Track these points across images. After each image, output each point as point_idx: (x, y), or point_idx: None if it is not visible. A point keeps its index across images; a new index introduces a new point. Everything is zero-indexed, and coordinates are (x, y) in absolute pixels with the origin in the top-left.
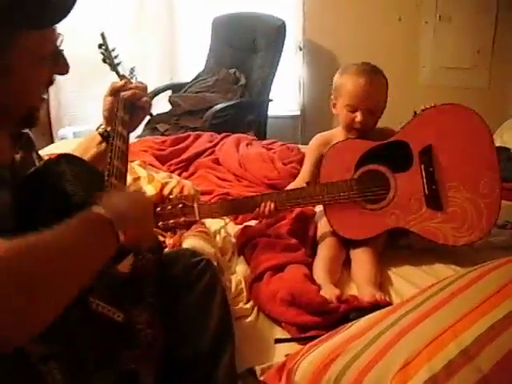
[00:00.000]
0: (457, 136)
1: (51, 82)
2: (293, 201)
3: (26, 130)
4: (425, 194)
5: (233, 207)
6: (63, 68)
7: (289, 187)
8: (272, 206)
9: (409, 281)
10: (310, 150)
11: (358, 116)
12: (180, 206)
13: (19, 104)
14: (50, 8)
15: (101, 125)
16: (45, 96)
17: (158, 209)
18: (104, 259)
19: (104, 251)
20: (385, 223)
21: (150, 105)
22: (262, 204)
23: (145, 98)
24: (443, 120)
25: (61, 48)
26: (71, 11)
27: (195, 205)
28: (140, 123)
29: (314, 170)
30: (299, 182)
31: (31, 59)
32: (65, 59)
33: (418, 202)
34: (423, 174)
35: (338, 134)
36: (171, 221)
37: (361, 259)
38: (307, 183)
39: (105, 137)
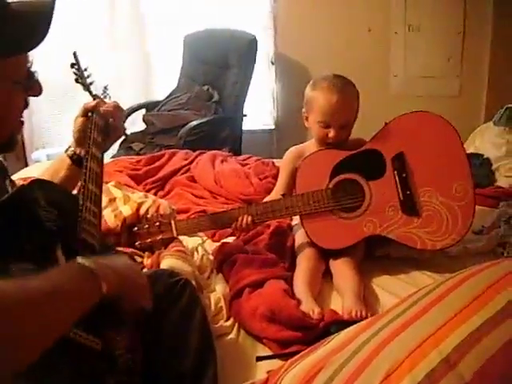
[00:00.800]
0: (427, 142)
1: (26, 105)
2: (270, 213)
3: (0, 159)
4: (399, 200)
5: (210, 222)
6: (36, 90)
7: (265, 200)
8: (249, 219)
9: (388, 290)
10: (284, 163)
11: (331, 132)
12: (157, 224)
13: None
14: (26, 35)
15: (69, 147)
16: (22, 119)
17: (135, 228)
18: (85, 308)
19: (86, 299)
20: (362, 231)
21: (124, 126)
22: (239, 218)
23: (117, 120)
24: (412, 127)
25: (32, 70)
26: (46, 37)
27: (172, 221)
28: (113, 143)
29: (289, 182)
30: (274, 195)
31: (6, 85)
32: (37, 81)
33: (393, 209)
34: (397, 180)
35: (311, 146)
36: (148, 240)
37: (342, 270)
38: (283, 195)
39: (74, 159)
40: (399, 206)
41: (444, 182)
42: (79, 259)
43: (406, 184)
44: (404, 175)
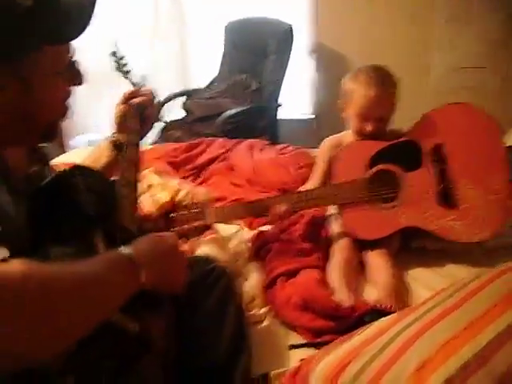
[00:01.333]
0: (466, 134)
1: (69, 94)
2: (305, 202)
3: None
4: (436, 192)
5: (246, 210)
6: (78, 79)
7: (301, 189)
8: (286, 207)
9: (423, 283)
10: (320, 153)
11: (369, 125)
12: (194, 210)
13: (40, 119)
14: (68, 23)
15: (113, 133)
16: (68, 106)
17: (172, 214)
18: (124, 298)
19: (124, 290)
20: (398, 222)
21: (156, 114)
22: (276, 206)
23: (149, 109)
24: (452, 118)
25: (74, 59)
26: (88, 26)
27: (209, 208)
28: (148, 132)
29: (325, 171)
30: (310, 184)
31: (51, 74)
32: (79, 70)
33: (430, 200)
34: (434, 171)
35: (348, 136)
36: (185, 226)
37: (376, 262)
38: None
39: (116, 145)
40: (436, 197)
41: (482, 174)
42: (121, 249)
43: (443, 176)
44: (442, 167)
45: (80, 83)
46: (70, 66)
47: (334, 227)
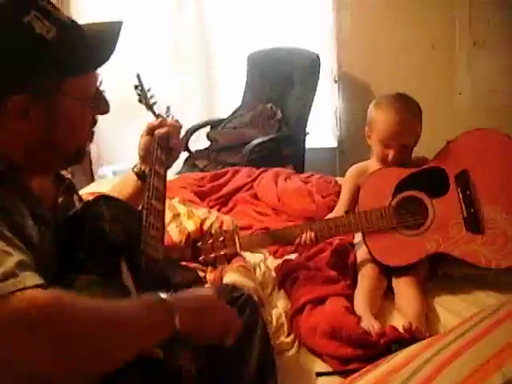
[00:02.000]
0: (491, 159)
1: (95, 123)
2: (332, 230)
3: (69, 176)
4: (463, 218)
5: (273, 238)
6: (104, 108)
7: (327, 217)
8: (312, 235)
9: (451, 310)
10: (346, 181)
11: (391, 153)
12: (221, 239)
13: (67, 146)
14: (93, 53)
15: (136, 164)
16: (92, 132)
17: (199, 243)
18: (155, 340)
19: (157, 333)
20: (425, 248)
21: (181, 146)
22: (303, 234)
23: (175, 139)
24: (477, 144)
25: (101, 88)
26: (112, 55)
27: (236, 237)
28: (174, 162)
29: (351, 199)
30: (336, 212)
31: (76, 103)
32: (105, 99)
33: (457, 226)
34: (460, 197)
35: (373, 165)
36: (212, 255)
37: (404, 289)
38: (346, 212)
39: (140, 176)
40: (463, 223)
41: (509, 199)
42: (160, 294)
43: (470, 201)
44: (468, 192)
45: (106, 112)
46: (96, 95)
47: (361, 254)
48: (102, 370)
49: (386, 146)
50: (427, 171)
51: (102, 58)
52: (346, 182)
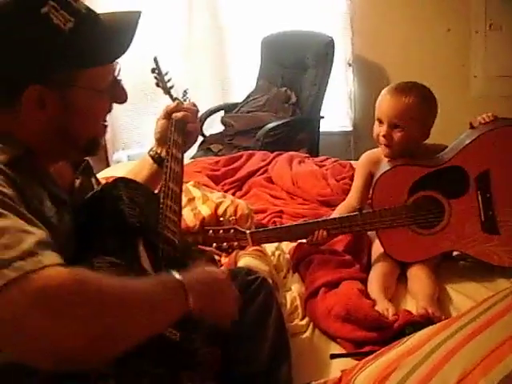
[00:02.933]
0: None
1: (110, 110)
2: (346, 228)
3: (86, 158)
4: (481, 220)
5: (285, 234)
6: (121, 97)
7: (340, 206)
8: (324, 233)
9: (465, 294)
10: (359, 168)
11: (382, 130)
12: (232, 231)
13: (82, 136)
14: (110, 44)
15: (152, 148)
16: (106, 124)
17: (210, 232)
18: (171, 319)
19: (171, 313)
20: (439, 247)
21: (198, 129)
22: (316, 232)
23: (192, 123)
24: (500, 143)
25: (119, 78)
26: (129, 46)
27: (247, 231)
28: (190, 146)
29: (364, 187)
30: (350, 201)
31: (92, 94)
32: (123, 88)
33: (473, 227)
34: (480, 199)
35: None
36: (224, 244)
37: (417, 274)
38: (359, 210)
39: (156, 159)
40: (480, 225)
41: None
42: (174, 272)
43: (489, 204)
44: (488, 195)
45: (123, 101)
46: (113, 84)
47: (376, 239)
48: (118, 348)
49: (379, 123)
50: (446, 170)
51: (120, 50)
52: (359, 169)
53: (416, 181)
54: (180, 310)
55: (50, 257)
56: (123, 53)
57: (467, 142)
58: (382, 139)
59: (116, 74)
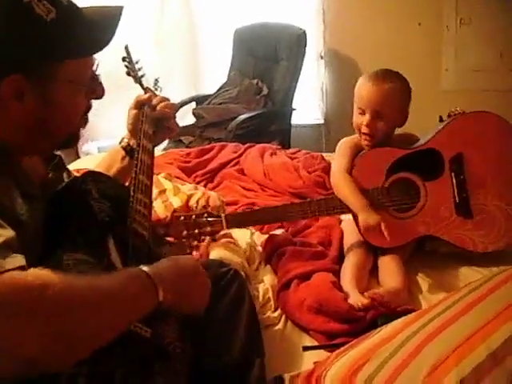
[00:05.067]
0: (487, 143)
1: (89, 107)
2: (324, 211)
3: (58, 152)
4: (455, 202)
5: (261, 217)
6: (99, 92)
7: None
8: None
9: (436, 285)
10: (345, 146)
11: (365, 119)
12: (205, 215)
13: (61, 130)
14: (91, 36)
15: (123, 138)
16: (86, 117)
17: (182, 218)
18: (141, 314)
19: (141, 307)
20: (415, 231)
21: (177, 127)
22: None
23: (172, 120)
24: (473, 128)
25: (97, 73)
26: (112, 38)
27: (222, 215)
28: (164, 141)
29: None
30: (343, 173)
31: (71, 87)
32: (101, 83)
33: (448, 210)
34: (454, 182)
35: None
36: (196, 230)
37: (388, 266)
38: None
39: (128, 151)
40: (454, 207)
41: (500, 185)
42: (141, 266)
43: (462, 186)
44: (462, 177)
45: (101, 96)
46: (91, 80)
47: (348, 231)
48: (88, 349)
49: (361, 113)
50: (422, 153)
51: (101, 43)
52: (344, 149)
53: (393, 163)
54: (150, 303)
55: (13, 260)
56: (105, 46)
57: (441, 126)
58: (364, 128)
59: (94, 68)
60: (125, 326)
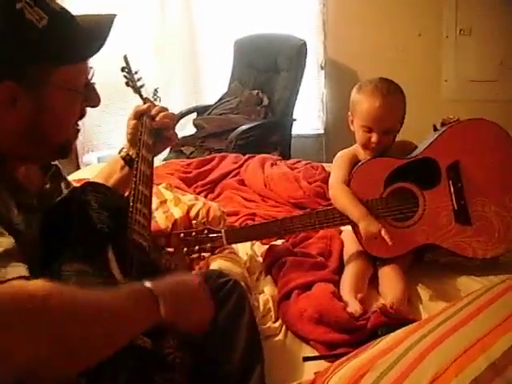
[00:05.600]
0: (483, 150)
1: (83, 115)
2: (324, 223)
3: (56, 162)
4: (453, 210)
5: (261, 232)
6: (95, 100)
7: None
8: None
9: (436, 296)
10: (340, 162)
11: (374, 137)
12: (205, 231)
13: (55, 138)
14: (83, 43)
15: (123, 148)
16: (79, 128)
17: (182, 235)
18: (142, 329)
19: (143, 322)
20: (414, 240)
21: (176, 137)
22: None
23: (172, 130)
24: (469, 135)
25: (92, 81)
26: (104, 45)
27: (222, 231)
28: (163, 151)
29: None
30: (341, 185)
31: (65, 94)
32: (96, 92)
33: (447, 218)
34: (451, 189)
35: (359, 150)
36: (196, 247)
37: (388, 276)
38: None
39: (127, 161)
40: (453, 215)
41: (498, 192)
42: (144, 282)
43: (460, 194)
44: (459, 185)
45: (96, 105)
46: (86, 87)
47: (348, 241)
48: (87, 361)
49: (368, 131)
50: (419, 162)
51: (93, 50)
52: (341, 162)
53: (391, 173)
54: (151, 319)
55: (16, 269)
56: (97, 51)
57: (437, 135)
58: (373, 145)
59: (89, 77)
60: (125, 340)
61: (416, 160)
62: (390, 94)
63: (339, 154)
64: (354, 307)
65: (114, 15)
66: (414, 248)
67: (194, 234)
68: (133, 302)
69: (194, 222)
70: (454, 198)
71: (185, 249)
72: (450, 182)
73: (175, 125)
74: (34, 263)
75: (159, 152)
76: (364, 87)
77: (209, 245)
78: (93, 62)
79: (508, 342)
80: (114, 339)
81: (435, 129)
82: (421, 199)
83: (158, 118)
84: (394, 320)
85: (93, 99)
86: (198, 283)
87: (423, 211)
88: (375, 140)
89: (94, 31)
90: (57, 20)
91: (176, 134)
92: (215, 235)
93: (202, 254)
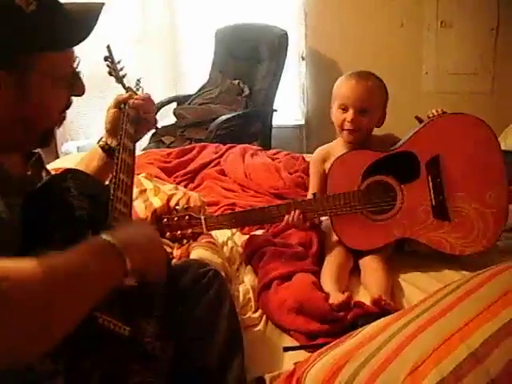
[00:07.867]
0: (464, 146)
1: (69, 104)
2: (303, 213)
3: (37, 150)
4: (432, 205)
5: (240, 219)
6: (80, 90)
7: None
8: (297, 213)
9: (416, 286)
10: (312, 166)
11: (349, 116)
12: (187, 217)
13: (37, 125)
14: (70, 29)
15: (101, 138)
16: (65, 115)
17: (165, 220)
18: (111, 285)
19: (111, 277)
20: (392, 234)
21: (156, 119)
22: (292, 212)
23: (150, 111)
24: (450, 130)
25: (78, 70)
26: (91, 32)
27: (202, 217)
28: (143, 136)
29: (319, 183)
30: (309, 196)
31: (49, 81)
32: (81, 81)
33: (425, 213)
34: (430, 184)
35: (338, 145)
36: (178, 232)
37: (370, 266)
38: (314, 195)
39: (106, 150)
40: (431, 210)
41: (478, 188)
42: (104, 236)
43: (439, 189)
44: (438, 180)
45: (81, 94)
46: (72, 76)
47: (329, 232)
48: (62, 330)
49: (344, 110)
50: (398, 155)
51: (79, 37)
52: (312, 168)
53: (369, 166)
54: (118, 273)
55: None
56: (82, 40)
57: (418, 128)
58: (348, 124)
59: (75, 65)
60: (96, 300)
61: (396, 154)
62: (367, 77)
63: (313, 156)
64: (336, 298)
65: (102, 4)
66: (391, 241)
67: (176, 219)
68: (97, 259)
69: (177, 207)
70: (432, 192)
71: (168, 233)
72: (429, 177)
73: (155, 110)
74: (15, 250)
75: (139, 138)
76: (344, 76)
77: (190, 230)
78: (76, 50)
79: (488, 331)
80: (83, 301)
81: (420, 121)
82: (399, 193)
83: (136, 102)
84: (384, 312)
85: (78, 88)
86: (153, 229)
87: (401, 205)
88: (349, 118)
89: (82, 19)
90: (45, 5)
91: (153, 117)
92: (195, 221)
93: (184, 241)
